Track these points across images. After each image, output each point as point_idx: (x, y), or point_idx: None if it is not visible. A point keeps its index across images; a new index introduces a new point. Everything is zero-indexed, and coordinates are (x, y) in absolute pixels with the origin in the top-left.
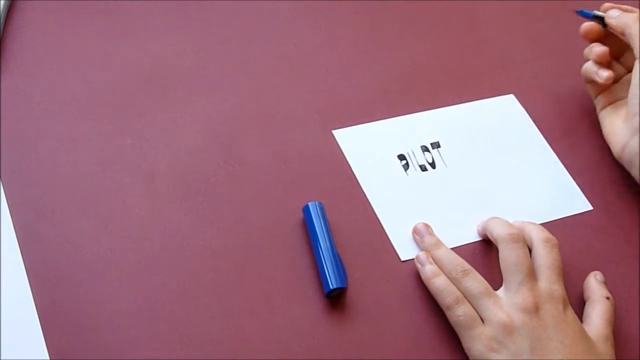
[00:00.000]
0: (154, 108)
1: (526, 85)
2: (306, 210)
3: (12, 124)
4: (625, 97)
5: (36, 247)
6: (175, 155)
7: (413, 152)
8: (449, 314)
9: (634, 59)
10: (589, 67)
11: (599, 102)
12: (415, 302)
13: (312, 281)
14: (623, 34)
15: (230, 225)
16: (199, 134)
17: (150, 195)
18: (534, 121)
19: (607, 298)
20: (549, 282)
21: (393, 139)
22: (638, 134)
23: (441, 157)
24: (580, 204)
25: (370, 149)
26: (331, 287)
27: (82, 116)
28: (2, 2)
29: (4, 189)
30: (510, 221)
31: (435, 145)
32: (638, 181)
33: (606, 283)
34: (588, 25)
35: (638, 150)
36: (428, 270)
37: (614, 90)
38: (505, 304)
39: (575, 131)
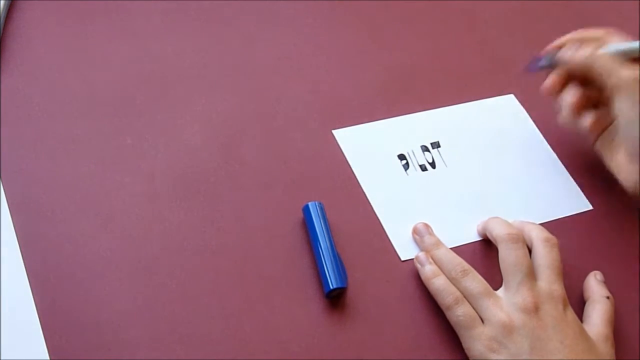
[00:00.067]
0: (154, 108)
1: (526, 85)
2: (306, 210)
3: (12, 124)
4: (611, 119)
5: (36, 247)
6: (175, 155)
7: (413, 152)
8: (448, 314)
9: (605, 87)
10: (568, 120)
11: (589, 135)
12: (415, 302)
13: (312, 281)
14: (590, 71)
15: (230, 225)
16: (199, 134)
17: (150, 195)
18: (534, 121)
19: (607, 298)
20: (548, 282)
21: (393, 138)
22: None
23: (441, 157)
24: (580, 204)
25: (370, 149)
26: (331, 287)
27: (82, 116)
28: (2, 2)
29: (4, 189)
30: (510, 221)
31: (435, 145)
32: None
33: (606, 283)
34: (548, 83)
35: None
36: (428, 270)
37: (600, 117)
38: (505, 304)
39: (575, 131)
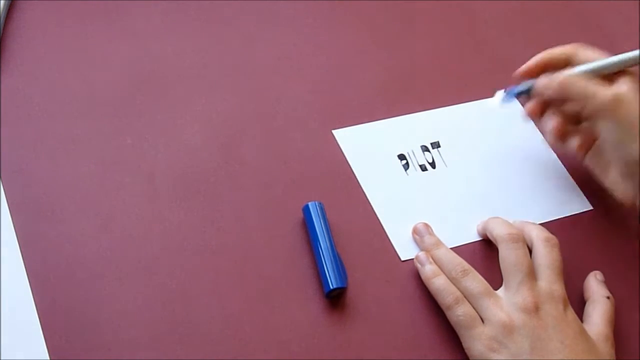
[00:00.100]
0: (154, 108)
1: None
2: (306, 210)
3: (12, 124)
4: (597, 134)
5: (36, 247)
6: (175, 155)
7: (413, 152)
8: (448, 314)
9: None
10: (555, 143)
11: (577, 155)
12: (415, 302)
13: (312, 281)
14: (567, 98)
15: (230, 225)
16: (199, 134)
17: (150, 195)
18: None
19: (608, 298)
20: (549, 281)
21: (393, 138)
22: None
23: (441, 157)
24: (580, 204)
25: (370, 149)
26: (331, 287)
27: (82, 116)
28: (2, 2)
29: (4, 189)
30: (510, 221)
31: (435, 145)
32: None
33: (606, 283)
34: (528, 109)
35: None
36: (428, 270)
37: (585, 135)
38: (505, 303)
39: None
